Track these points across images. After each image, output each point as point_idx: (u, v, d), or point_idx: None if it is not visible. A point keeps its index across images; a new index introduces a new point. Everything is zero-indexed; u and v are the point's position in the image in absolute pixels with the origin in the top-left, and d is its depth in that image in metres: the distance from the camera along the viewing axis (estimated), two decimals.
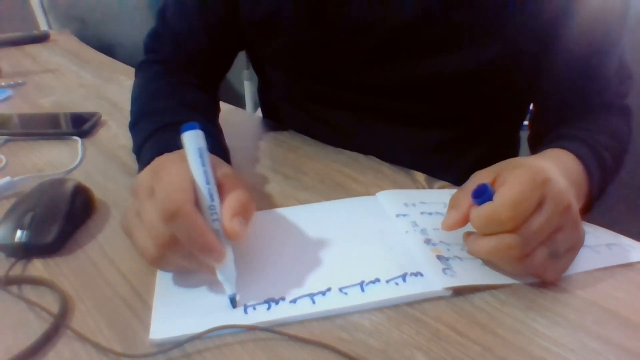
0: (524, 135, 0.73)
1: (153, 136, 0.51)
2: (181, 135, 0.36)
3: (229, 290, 0.37)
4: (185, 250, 0.35)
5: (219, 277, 0.37)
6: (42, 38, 1.26)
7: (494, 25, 0.54)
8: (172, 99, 0.59)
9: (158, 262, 0.37)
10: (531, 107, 0.69)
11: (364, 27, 0.56)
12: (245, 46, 0.71)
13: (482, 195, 0.37)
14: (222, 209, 0.37)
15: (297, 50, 0.62)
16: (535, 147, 0.53)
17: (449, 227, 0.40)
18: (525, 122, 0.73)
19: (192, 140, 0.36)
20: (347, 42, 0.58)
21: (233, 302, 0.37)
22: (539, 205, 0.36)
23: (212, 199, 0.36)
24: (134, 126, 0.58)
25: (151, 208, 0.36)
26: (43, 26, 1.61)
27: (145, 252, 0.36)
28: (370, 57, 0.59)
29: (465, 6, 0.53)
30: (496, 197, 0.36)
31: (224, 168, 0.40)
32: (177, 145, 0.38)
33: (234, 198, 0.37)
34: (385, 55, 0.58)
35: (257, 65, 0.73)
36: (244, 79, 1.69)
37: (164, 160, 0.39)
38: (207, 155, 0.37)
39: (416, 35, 0.55)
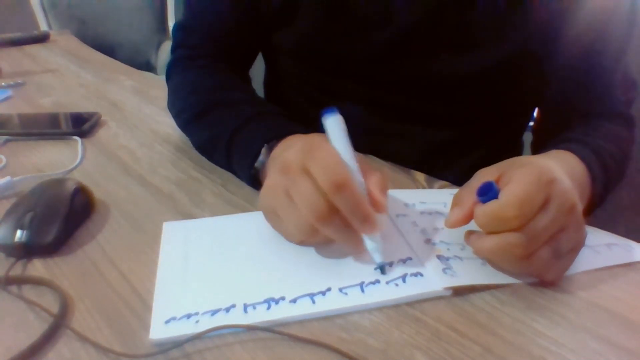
0: (526, 138, 0.74)
1: (250, 123, 0.53)
2: (325, 120, 0.41)
3: (378, 258, 0.40)
4: (339, 223, 0.38)
5: (368, 246, 0.40)
6: (42, 38, 1.26)
7: (505, 26, 0.54)
8: (244, 90, 0.62)
9: (306, 236, 0.40)
10: (536, 113, 0.69)
11: (379, 21, 0.57)
12: (266, 36, 0.71)
13: (488, 193, 0.37)
14: (368, 184, 0.40)
15: (313, 41, 0.62)
16: (539, 151, 0.53)
17: (452, 224, 0.40)
18: (530, 124, 0.73)
19: (338, 123, 0.41)
20: (362, 35, 0.59)
21: (383, 270, 0.40)
22: (545, 204, 0.36)
23: (360, 176, 0.40)
24: (201, 116, 0.59)
25: (307, 184, 0.37)
26: (43, 26, 1.61)
27: (295, 228, 0.39)
28: (383, 52, 0.59)
29: (478, 7, 0.53)
30: (502, 196, 0.36)
31: None
32: (292, 131, 0.46)
33: (377, 175, 0.41)
34: (398, 51, 0.58)
35: (270, 56, 0.73)
36: None
37: (309, 141, 0.41)
38: (349, 138, 0.40)
39: (430, 33, 0.56)
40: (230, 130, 0.53)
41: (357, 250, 0.40)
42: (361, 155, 0.42)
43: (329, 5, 0.58)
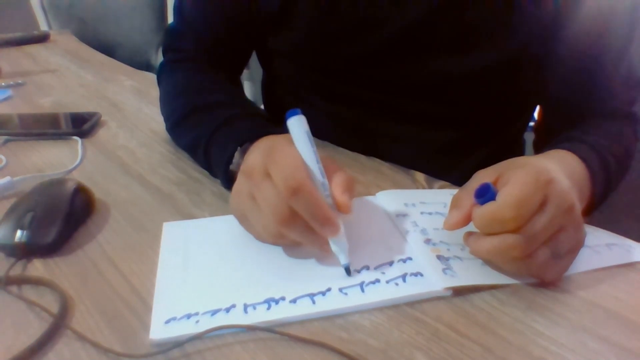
0: (528, 137, 0.73)
1: (225, 126, 0.53)
2: (287, 121, 0.40)
3: (343, 260, 0.39)
4: (302, 226, 0.37)
5: (333, 248, 0.39)
6: (42, 38, 1.26)
7: (503, 26, 0.54)
8: (224, 92, 0.61)
9: (275, 239, 0.40)
10: (537, 111, 0.69)
11: (376, 23, 0.57)
12: (260, 39, 0.71)
13: (485, 194, 0.37)
14: (331, 185, 0.40)
15: (309, 44, 0.62)
16: (541, 150, 0.53)
17: (451, 226, 0.40)
18: (531, 124, 0.73)
19: (300, 124, 0.40)
20: (358, 37, 0.58)
21: (348, 271, 0.39)
22: (542, 205, 0.36)
23: (323, 177, 0.39)
24: (183, 121, 0.59)
25: (269, 188, 0.37)
26: (43, 26, 1.61)
27: (264, 230, 0.39)
28: (381, 54, 0.59)
29: (477, 7, 0.53)
30: (499, 197, 0.36)
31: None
32: (265, 132, 0.45)
33: (341, 176, 0.41)
34: (396, 53, 0.58)
35: (266, 59, 0.73)
36: (244, 79, 1.69)
37: (272, 144, 0.41)
38: (312, 138, 0.40)
39: (427, 34, 0.56)
40: (207, 135, 0.53)
41: (323, 252, 0.40)
42: (327, 155, 0.42)
43: (324, 8, 0.58)
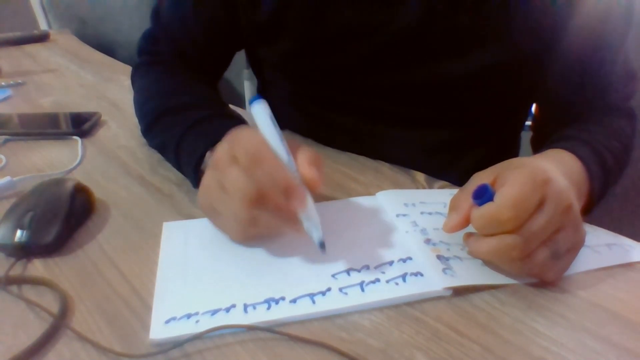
0: (525, 136, 0.73)
1: (194, 128, 0.52)
2: (251, 107, 0.41)
3: (316, 235, 0.39)
4: (272, 205, 0.37)
5: (305, 225, 0.39)
6: (42, 38, 1.26)
7: (498, 28, 0.54)
8: (195, 94, 0.60)
9: (248, 225, 0.40)
10: (534, 109, 0.69)
11: (367, 30, 0.56)
12: (244, 48, 0.71)
13: (483, 196, 0.37)
14: (297, 161, 0.40)
15: (300, 54, 0.61)
16: (538, 148, 0.53)
17: (450, 229, 0.40)
18: (528, 123, 0.73)
19: (262, 108, 0.41)
20: (350, 45, 0.58)
21: (323, 247, 0.39)
22: (540, 205, 0.36)
23: (288, 155, 0.40)
24: (154, 124, 0.59)
25: (235, 171, 0.37)
26: (43, 26, 1.61)
27: (234, 217, 0.39)
28: (374, 61, 0.58)
29: (470, 10, 0.53)
30: (497, 198, 0.36)
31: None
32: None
33: (305, 151, 0.41)
34: (389, 59, 0.58)
35: (257, 67, 0.73)
36: (244, 79, 1.69)
37: (236, 134, 0.41)
38: (275, 121, 0.41)
39: (420, 39, 0.55)
40: (177, 137, 0.53)
41: (295, 231, 0.39)
42: (292, 137, 0.42)
43: (314, 18, 0.57)
